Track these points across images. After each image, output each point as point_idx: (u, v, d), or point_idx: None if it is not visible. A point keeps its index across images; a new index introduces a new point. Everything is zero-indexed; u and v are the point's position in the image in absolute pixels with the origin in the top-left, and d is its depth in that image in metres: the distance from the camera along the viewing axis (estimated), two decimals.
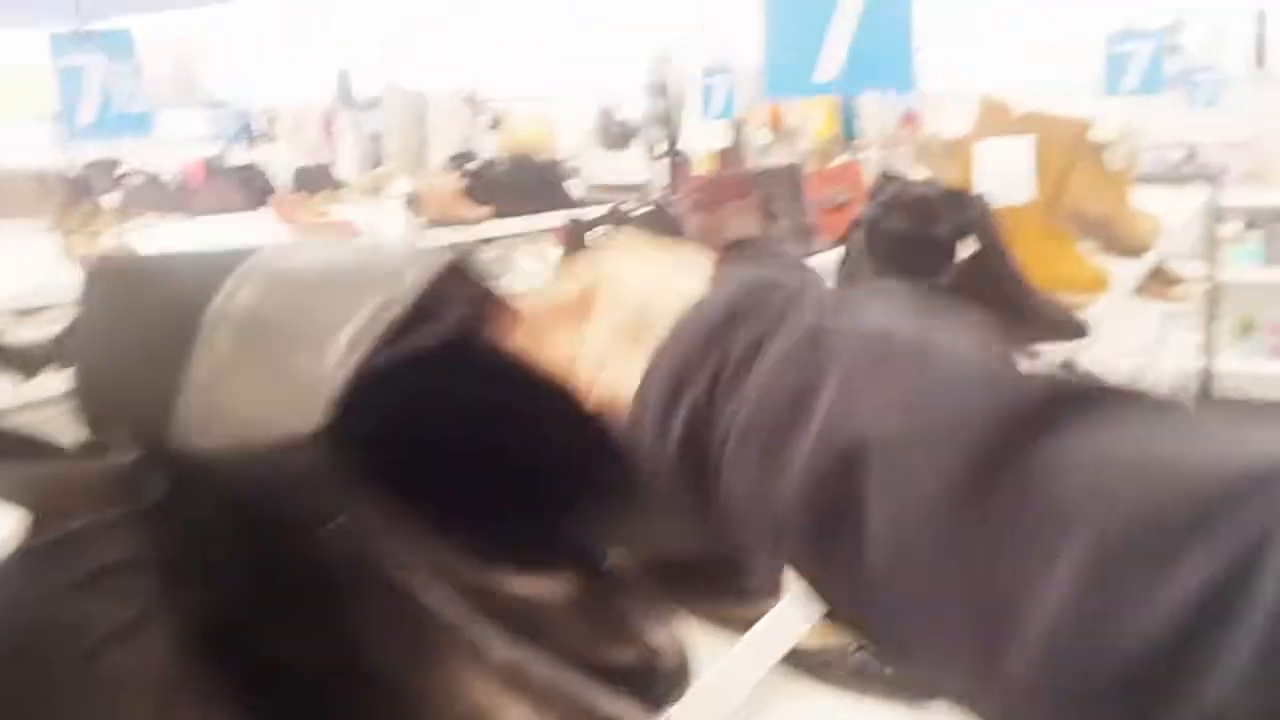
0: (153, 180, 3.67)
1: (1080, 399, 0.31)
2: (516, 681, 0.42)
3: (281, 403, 0.34)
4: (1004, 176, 1.59)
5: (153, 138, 3.43)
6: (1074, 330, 1.42)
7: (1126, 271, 1.89)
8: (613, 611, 0.49)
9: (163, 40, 4.62)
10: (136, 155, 3.68)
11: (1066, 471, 0.29)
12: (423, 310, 0.37)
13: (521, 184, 3.59)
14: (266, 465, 0.35)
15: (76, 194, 3.14)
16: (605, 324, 0.43)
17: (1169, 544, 0.26)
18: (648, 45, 4.48)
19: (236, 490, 0.38)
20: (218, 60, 4.85)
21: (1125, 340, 2.52)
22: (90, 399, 0.45)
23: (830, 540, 0.34)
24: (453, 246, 3.01)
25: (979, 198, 1.39)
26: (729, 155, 3.99)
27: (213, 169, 3.89)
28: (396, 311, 0.34)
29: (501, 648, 0.42)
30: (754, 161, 4.28)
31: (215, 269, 0.41)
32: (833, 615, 0.36)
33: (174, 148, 4.03)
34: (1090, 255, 1.80)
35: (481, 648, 0.42)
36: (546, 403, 0.44)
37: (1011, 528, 0.29)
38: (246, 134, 4.43)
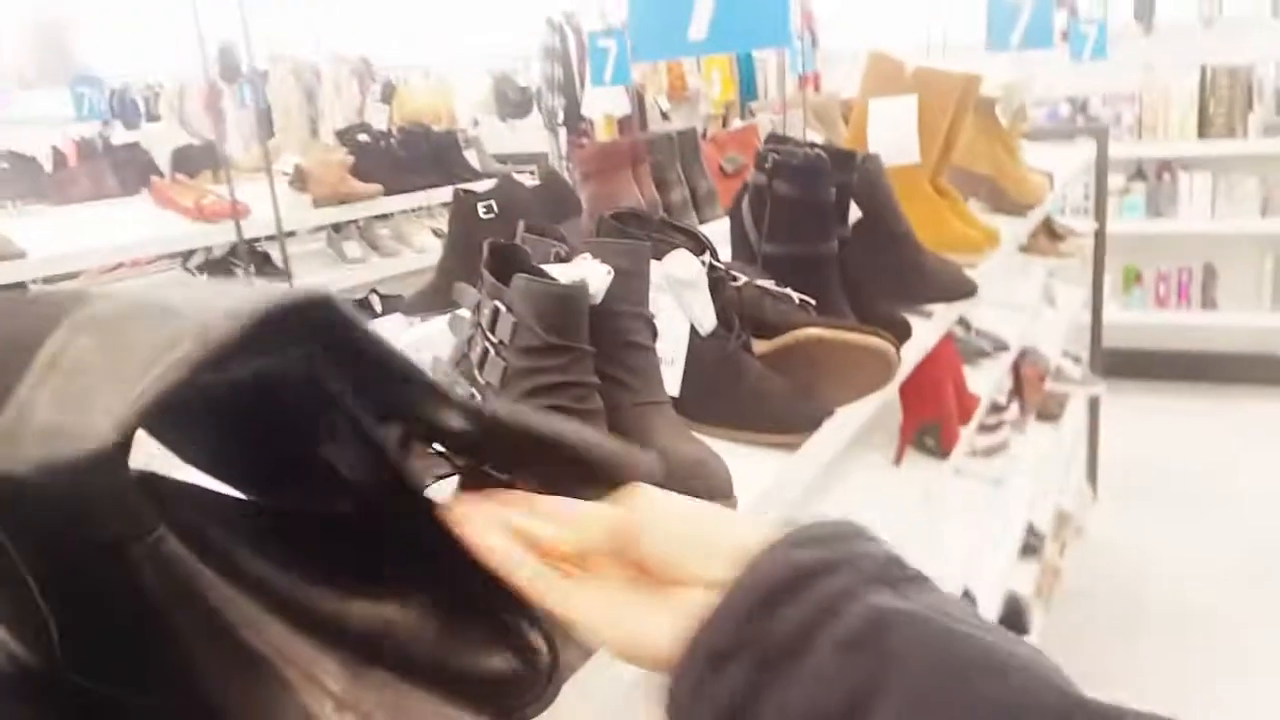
0: (22, 162, 3.47)
1: None
2: (353, 704, 0.39)
3: (76, 423, 0.31)
4: (893, 136, 1.59)
5: (17, 118, 3.23)
6: (965, 289, 1.44)
7: (1015, 228, 1.92)
8: (483, 616, 0.46)
9: (25, 14, 4.36)
10: (2, 136, 3.47)
11: None
12: (271, 339, 0.34)
13: (415, 157, 3.50)
14: (63, 483, 0.32)
15: None
16: (628, 572, 0.40)
17: None
18: (544, 8, 4.40)
19: (42, 511, 0.35)
20: (90, 34, 4.60)
21: (1013, 295, 2.58)
22: None
23: None
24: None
25: (868, 158, 1.39)
26: (628, 122, 3.96)
27: (88, 150, 3.70)
28: (204, 349, 0.31)
29: (337, 669, 0.40)
30: (654, 127, 4.25)
31: (68, 307, 0.37)
32: None
33: (44, 128, 3.81)
34: (980, 213, 1.82)
35: (315, 671, 0.39)
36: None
37: None
38: (124, 112, 4.22)
